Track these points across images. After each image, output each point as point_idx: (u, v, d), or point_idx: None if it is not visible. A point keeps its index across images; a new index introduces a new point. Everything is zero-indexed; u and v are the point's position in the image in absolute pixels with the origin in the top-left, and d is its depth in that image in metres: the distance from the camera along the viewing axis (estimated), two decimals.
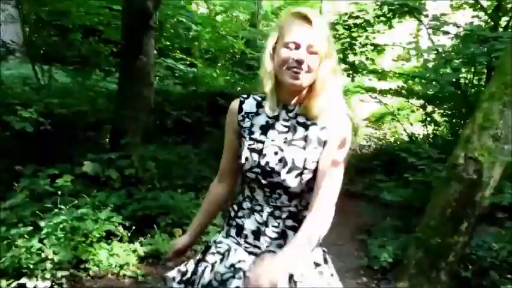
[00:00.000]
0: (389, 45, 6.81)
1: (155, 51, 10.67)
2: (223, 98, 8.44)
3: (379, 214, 4.81)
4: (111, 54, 7.61)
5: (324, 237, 1.31)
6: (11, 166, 3.98)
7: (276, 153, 1.33)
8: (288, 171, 1.31)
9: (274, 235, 1.35)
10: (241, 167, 1.38)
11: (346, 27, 6.27)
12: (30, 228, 3.23)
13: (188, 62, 10.13)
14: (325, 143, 1.32)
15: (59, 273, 3.12)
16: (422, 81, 6.75)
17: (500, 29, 6.62)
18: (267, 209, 1.36)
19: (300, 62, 1.24)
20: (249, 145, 1.37)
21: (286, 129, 1.35)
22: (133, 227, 3.62)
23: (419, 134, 7.92)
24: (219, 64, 11.68)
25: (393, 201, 4.57)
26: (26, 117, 3.96)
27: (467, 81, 7.01)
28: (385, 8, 5.80)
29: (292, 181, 1.31)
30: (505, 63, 3.31)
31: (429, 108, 7.40)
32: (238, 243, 1.40)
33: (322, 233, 1.27)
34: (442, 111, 7.50)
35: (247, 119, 1.40)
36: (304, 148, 1.32)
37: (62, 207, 3.35)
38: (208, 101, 8.36)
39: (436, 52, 5.86)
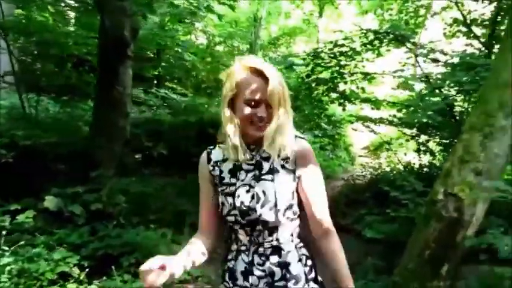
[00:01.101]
0: (380, 73, 6.63)
1: (155, 81, 10.74)
2: (214, 127, 8.31)
3: (364, 251, 4.48)
4: None
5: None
6: None
7: (247, 191, 1.40)
8: (262, 206, 1.37)
9: (261, 273, 1.40)
10: (221, 213, 1.45)
11: (332, 55, 6.12)
12: None
13: (182, 92, 10.12)
14: (294, 171, 1.42)
15: None
16: (415, 109, 6.52)
17: (494, 57, 6.46)
18: (252, 248, 1.42)
19: (262, 118, 1.36)
20: (222, 190, 1.44)
21: (252, 167, 1.43)
22: (89, 268, 3.36)
23: (414, 164, 7.64)
24: (219, 93, 11.66)
25: (378, 238, 4.26)
26: None
27: (463, 109, 6.80)
28: (371, 36, 5.66)
29: (268, 215, 1.37)
30: (487, 92, 3.10)
31: (423, 138, 7.15)
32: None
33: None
34: (437, 140, 7.26)
35: (216, 168, 1.47)
36: (272, 180, 1.40)
37: (6, 248, 3.11)
38: (198, 131, 8.23)
39: (425, 80, 5.68)
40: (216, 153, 1.49)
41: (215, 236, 1.52)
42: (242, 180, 1.41)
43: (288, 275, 1.39)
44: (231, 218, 1.42)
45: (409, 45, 5.67)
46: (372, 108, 7.68)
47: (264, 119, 1.36)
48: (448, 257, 2.82)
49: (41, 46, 7.12)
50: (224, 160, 1.47)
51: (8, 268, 3.02)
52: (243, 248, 1.44)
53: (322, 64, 6.24)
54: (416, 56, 5.73)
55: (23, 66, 7.71)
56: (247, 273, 1.41)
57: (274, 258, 1.40)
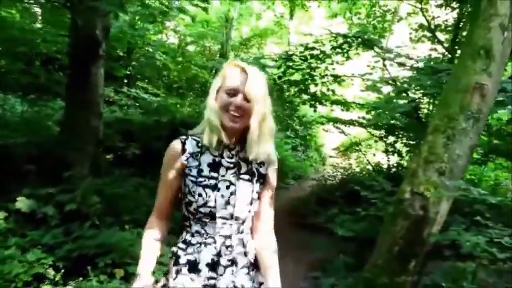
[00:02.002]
0: (349, 76, 6.83)
1: (126, 80, 10.61)
2: (186, 127, 8.31)
3: (336, 249, 4.64)
4: None
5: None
6: None
7: (227, 187, 1.50)
8: (239, 202, 1.50)
9: (227, 263, 1.49)
10: (190, 204, 1.49)
11: (303, 58, 6.27)
12: None
13: (154, 92, 10.05)
14: (264, 176, 1.57)
15: None
16: (382, 111, 6.76)
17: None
18: (219, 240, 1.49)
19: (237, 107, 1.44)
20: (200, 182, 1.48)
21: (232, 165, 1.52)
22: (64, 270, 3.34)
23: (383, 164, 7.90)
24: (191, 94, 11.66)
25: (350, 235, 4.42)
26: None
27: (428, 111, 7.10)
28: (340, 40, 5.84)
29: (242, 211, 1.50)
30: (448, 96, 3.29)
31: (391, 139, 7.41)
32: (192, 280, 1.47)
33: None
34: (404, 141, 7.53)
35: (191, 159, 1.50)
36: (250, 181, 1.53)
37: None
38: (170, 131, 8.21)
39: (392, 83, 5.91)
40: (191, 145, 1.52)
41: (169, 221, 1.62)
42: (223, 176, 1.49)
43: (249, 263, 1.54)
44: (205, 210, 1.47)
45: (376, 49, 5.88)
46: (342, 110, 7.91)
47: (239, 108, 1.44)
48: (415, 253, 2.99)
49: (7, 43, 6.93)
50: (202, 153, 1.51)
51: None
52: (209, 240, 1.49)
53: (294, 66, 6.38)
54: (384, 59, 5.95)
55: None
56: (214, 264, 1.47)
57: (238, 249, 1.51)
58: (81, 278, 3.34)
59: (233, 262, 1.50)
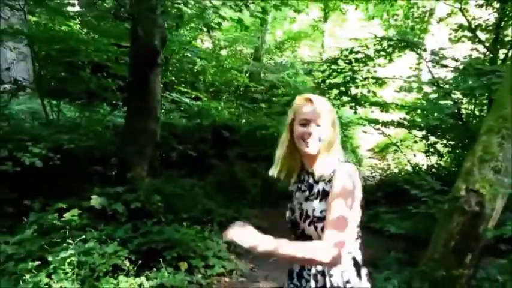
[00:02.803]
0: (390, 78, 6.94)
1: (161, 85, 10.95)
2: (227, 130, 8.61)
3: (383, 246, 4.78)
4: (119, 90, 7.77)
5: None
6: (20, 201, 4.06)
7: (299, 208, 1.71)
8: (304, 221, 1.66)
9: (307, 277, 1.65)
10: None
11: (348, 61, 6.43)
12: (37, 262, 3.27)
13: (193, 96, 10.35)
14: (328, 193, 1.59)
15: None
16: (424, 112, 6.84)
17: (499, 61, 6.78)
18: None
19: (309, 134, 1.62)
20: (288, 205, 1.80)
21: (306, 188, 1.71)
22: (140, 261, 3.64)
23: (422, 165, 7.94)
24: (224, 97, 11.94)
25: (398, 233, 4.56)
26: (36, 153, 4.08)
27: (469, 111, 7.11)
28: (385, 43, 5.97)
29: (308, 229, 1.64)
30: (502, 97, 3.39)
31: (432, 139, 7.45)
32: (288, 286, 1.76)
33: (319, 257, 1.47)
34: (445, 141, 7.56)
35: (290, 187, 1.83)
36: (313, 200, 1.64)
37: (70, 241, 3.40)
38: (212, 134, 8.50)
39: (436, 85, 5.98)
40: (295, 175, 1.80)
41: None
42: (297, 199, 1.73)
43: (328, 284, 1.60)
44: (289, 229, 1.76)
45: (419, 51, 5.97)
46: (381, 111, 8.00)
47: (311, 134, 1.61)
48: (471, 247, 3.11)
49: (64, 53, 7.38)
50: (296, 182, 1.80)
51: (68, 260, 3.30)
52: None
53: (338, 70, 6.55)
54: (426, 61, 6.03)
55: (44, 73, 7.96)
56: (300, 275, 1.68)
57: (318, 267, 1.62)
58: (155, 269, 3.64)
59: (314, 278, 1.63)
